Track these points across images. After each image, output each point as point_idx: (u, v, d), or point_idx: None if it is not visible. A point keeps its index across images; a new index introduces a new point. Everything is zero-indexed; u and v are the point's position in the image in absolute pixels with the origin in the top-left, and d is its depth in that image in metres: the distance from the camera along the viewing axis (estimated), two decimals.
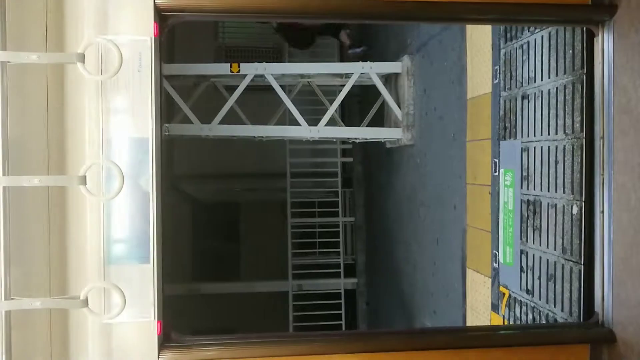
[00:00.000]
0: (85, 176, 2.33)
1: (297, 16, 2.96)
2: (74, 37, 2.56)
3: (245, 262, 11.05)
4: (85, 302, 2.34)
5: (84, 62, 2.32)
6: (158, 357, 2.70)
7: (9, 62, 2.26)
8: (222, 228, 11.10)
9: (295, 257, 9.74)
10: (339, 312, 9.43)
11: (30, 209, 2.55)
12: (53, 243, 2.60)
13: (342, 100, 6.96)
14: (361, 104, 9.42)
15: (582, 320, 3.20)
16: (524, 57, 4.02)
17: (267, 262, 10.33)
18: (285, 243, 9.68)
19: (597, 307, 3.04)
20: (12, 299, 2.27)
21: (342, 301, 9.59)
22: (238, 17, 2.87)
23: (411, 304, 6.93)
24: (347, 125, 7.56)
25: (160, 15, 2.75)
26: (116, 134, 2.62)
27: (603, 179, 3.02)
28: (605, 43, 2.97)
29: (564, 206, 3.55)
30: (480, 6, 2.88)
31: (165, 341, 2.80)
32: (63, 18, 2.56)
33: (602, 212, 3.03)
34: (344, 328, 9.34)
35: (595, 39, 3.01)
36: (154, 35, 2.65)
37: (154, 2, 2.66)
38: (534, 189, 3.90)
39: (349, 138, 7.46)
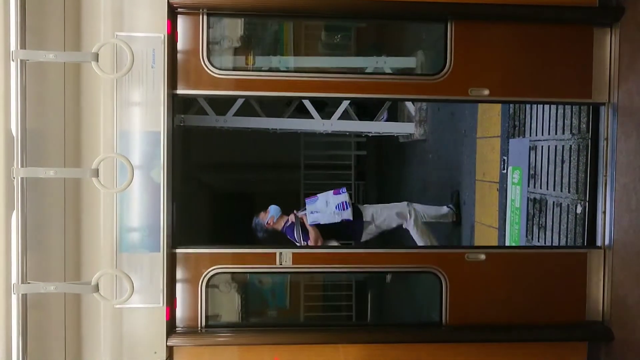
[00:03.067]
0: (98, 169, 2.43)
1: (309, 14, 3.02)
2: (90, 35, 2.67)
3: None
4: (96, 288, 2.45)
5: (97, 61, 2.42)
6: (166, 342, 2.82)
7: (28, 60, 2.36)
8: (237, 217, 11.23)
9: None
10: (350, 303, 9.51)
11: (48, 199, 2.67)
12: (68, 231, 2.72)
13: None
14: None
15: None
16: None
17: None
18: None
19: (597, 306, 3.09)
20: (28, 282, 2.39)
21: (353, 292, 9.66)
22: (250, 15, 2.94)
23: (422, 297, 6.98)
24: (361, 119, 7.58)
25: (174, 12, 2.85)
26: (129, 127, 2.73)
27: (606, 180, 3.05)
28: (611, 45, 2.99)
29: (568, 205, 3.59)
30: (488, 7, 2.93)
31: (173, 326, 2.93)
32: (80, 16, 2.67)
33: (604, 212, 3.06)
34: (354, 318, 9.42)
35: (601, 41, 3.03)
36: (167, 32, 2.75)
37: (167, 0, 2.75)
38: (541, 188, 3.94)
39: (362, 132, 7.50)
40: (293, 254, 2.93)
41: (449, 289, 2.99)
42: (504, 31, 2.96)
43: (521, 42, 2.97)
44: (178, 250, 2.92)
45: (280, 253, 2.91)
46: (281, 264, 2.91)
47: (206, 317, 2.94)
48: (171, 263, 2.87)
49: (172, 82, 2.84)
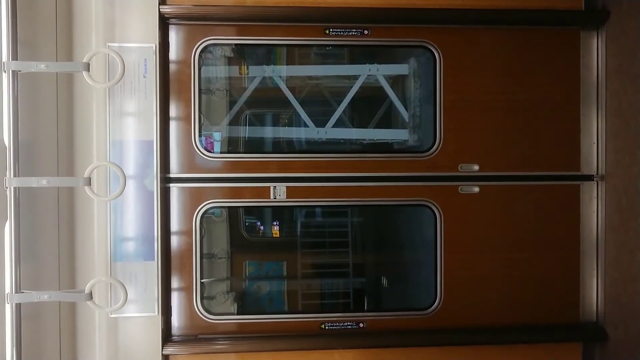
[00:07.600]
0: (90, 177, 2.44)
1: (299, 23, 3.07)
2: (82, 45, 2.70)
3: None
4: (90, 296, 2.45)
5: (89, 71, 2.44)
6: (162, 351, 2.82)
7: (19, 71, 2.38)
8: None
9: (303, 257, 9.80)
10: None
11: (42, 208, 2.67)
12: (62, 241, 2.73)
13: (351, 102, 7.00)
14: (370, 106, 9.44)
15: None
16: None
17: None
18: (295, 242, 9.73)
19: (591, 307, 3.10)
20: (22, 292, 2.39)
21: (351, 300, 9.61)
22: (242, 25, 2.98)
23: (418, 302, 6.96)
24: (355, 126, 7.59)
25: (165, 23, 2.88)
26: (122, 137, 2.75)
27: (597, 181, 3.07)
28: (598, 48, 3.03)
29: None
30: (478, 12, 2.98)
31: (169, 335, 2.93)
32: (72, 27, 2.70)
33: (596, 212, 3.08)
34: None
35: (588, 44, 3.07)
36: (159, 42, 2.77)
37: (159, 11, 2.78)
38: None
39: (356, 139, 7.51)
40: (287, 187, 2.97)
41: (443, 222, 3.06)
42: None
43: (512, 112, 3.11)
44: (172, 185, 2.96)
45: (275, 187, 2.94)
46: (275, 198, 2.94)
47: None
48: (166, 271, 2.88)
49: (165, 92, 2.87)
